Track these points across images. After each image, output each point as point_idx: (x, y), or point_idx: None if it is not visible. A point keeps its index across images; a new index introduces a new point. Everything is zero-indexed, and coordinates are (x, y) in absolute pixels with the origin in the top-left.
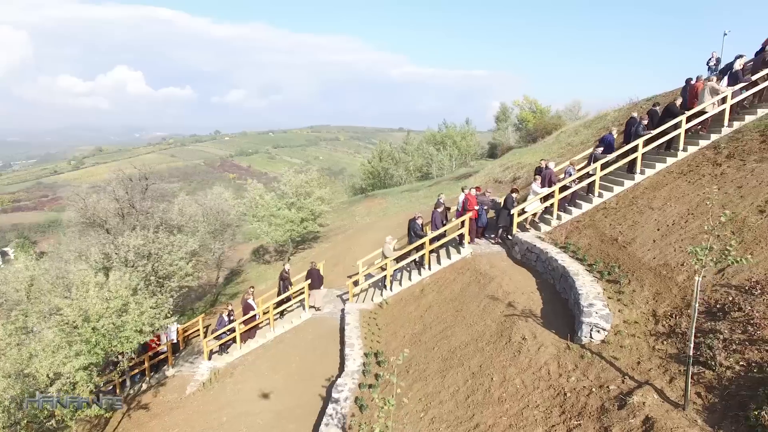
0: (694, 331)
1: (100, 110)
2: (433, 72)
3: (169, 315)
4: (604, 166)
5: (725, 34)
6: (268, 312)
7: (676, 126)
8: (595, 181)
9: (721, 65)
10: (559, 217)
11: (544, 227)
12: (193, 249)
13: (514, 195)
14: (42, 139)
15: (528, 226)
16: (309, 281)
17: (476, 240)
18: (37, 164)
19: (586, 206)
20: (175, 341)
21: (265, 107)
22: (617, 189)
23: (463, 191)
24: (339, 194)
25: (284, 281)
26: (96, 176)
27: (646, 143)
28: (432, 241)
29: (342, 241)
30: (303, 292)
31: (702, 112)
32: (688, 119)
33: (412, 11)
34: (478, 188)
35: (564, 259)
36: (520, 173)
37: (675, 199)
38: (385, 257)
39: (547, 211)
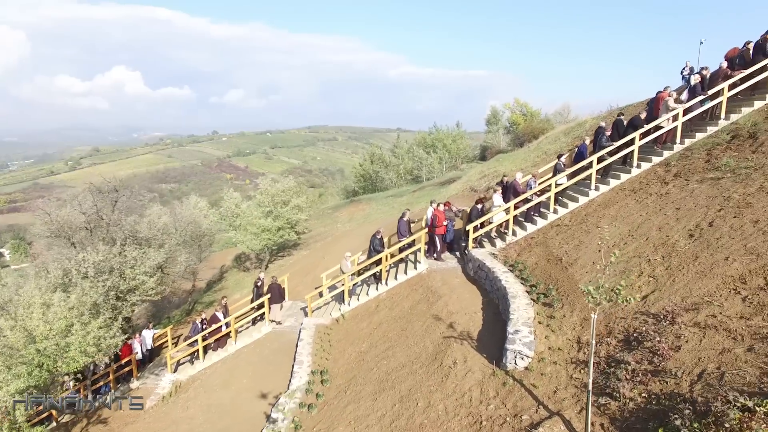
0: (601, 362)
1: (98, 110)
2: (432, 72)
3: (118, 334)
4: (576, 172)
5: (701, 43)
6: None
7: (632, 141)
8: (550, 197)
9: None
10: (514, 233)
11: (500, 243)
12: (158, 263)
13: (479, 206)
14: (39, 140)
15: (488, 239)
16: (269, 295)
17: (443, 255)
18: (34, 164)
19: (541, 222)
20: (150, 348)
21: (264, 107)
22: (572, 205)
23: (431, 205)
24: (332, 196)
25: (258, 289)
26: (92, 177)
27: (612, 155)
28: (399, 249)
29: (320, 248)
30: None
31: (659, 127)
32: (646, 133)
33: (412, 11)
34: (447, 203)
35: (508, 280)
36: (494, 183)
37: (621, 219)
38: (343, 273)
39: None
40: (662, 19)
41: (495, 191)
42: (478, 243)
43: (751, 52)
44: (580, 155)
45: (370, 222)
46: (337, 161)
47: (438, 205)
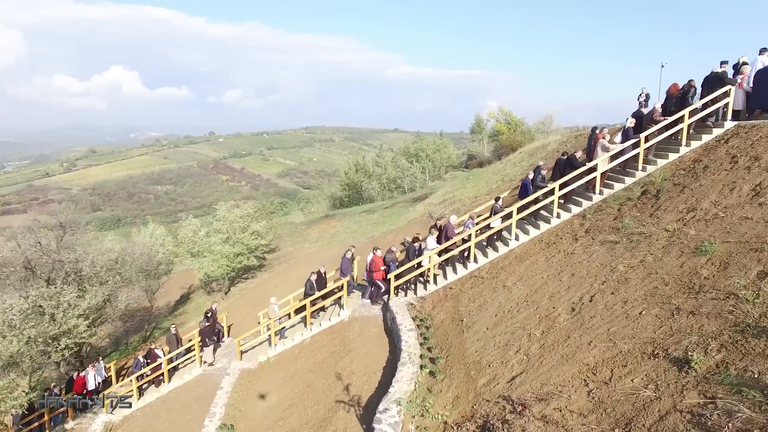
0: None
1: (96, 110)
2: (430, 72)
3: (23, 394)
4: (507, 215)
5: (662, 66)
6: (191, 348)
7: (568, 181)
8: (470, 247)
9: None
10: (436, 281)
11: (422, 291)
12: (96, 303)
13: (416, 245)
14: (37, 140)
15: (420, 283)
16: (199, 338)
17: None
18: (30, 165)
19: (462, 272)
20: (104, 378)
21: (262, 107)
22: (492, 255)
23: (373, 252)
24: (319, 204)
25: (207, 320)
26: (88, 178)
27: (547, 195)
28: (323, 296)
29: (281, 272)
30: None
31: (594, 169)
32: (582, 175)
33: (410, 11)
34: (390, 250)
35: (408, 341)
36: (448, 211)
37: (525, 279)
38: (270, 318)
39: (444, 265)
40: (661, 19)
41: (430, 233)
42: (407, 288)
43: (693, 90)
44: (524, 190)
45: (337, 242)
46: (334, 162)
47: (377, 251)
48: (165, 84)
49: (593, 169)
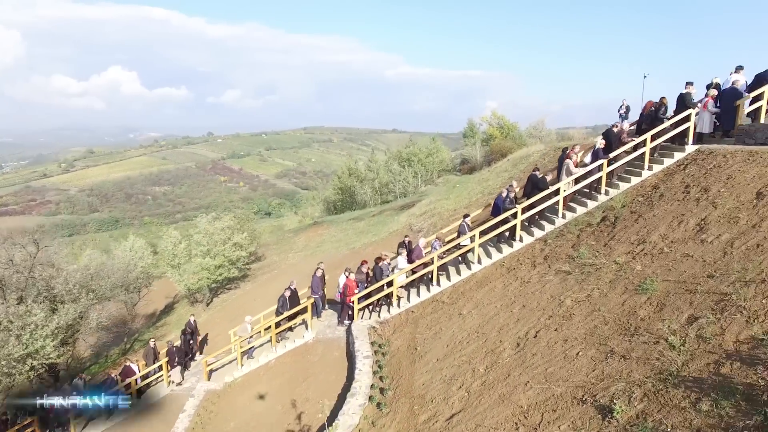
0: None
1: (95, 111)
2: (429, 72)
3: None
4: (483, 234)
5: (645, 77)
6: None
7: (533, 204)
8: (433, 270)
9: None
10: (399, 304)
11: (385, 314)
12: (64, 323)
13: (381, 265)
14: (35, 140)
15: (386, 304)
16: (167, 358)
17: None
18: (28, 166)
19: (425, 295)
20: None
21: (261, 107)
22: (455, 279)
23: (346, 276)
24: (312, 207)
25: (184, 336)
26: (86, 179)
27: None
28: (289, 318)
29: (263, 283)
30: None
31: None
32: (547, 198)
33: (409, 11)
34: (360, 270)
35: (363, 368)
36: (427, 224)
37: (481, 307)
38: (239, 336)
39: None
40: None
41: (399, 254)
42: (372, 309)
43: (663, 109)
44: (496, 209)
45: (321, 252)
46: (332, 163)
47: (350, 273)
48: (164, 84)
49: (558, 191)
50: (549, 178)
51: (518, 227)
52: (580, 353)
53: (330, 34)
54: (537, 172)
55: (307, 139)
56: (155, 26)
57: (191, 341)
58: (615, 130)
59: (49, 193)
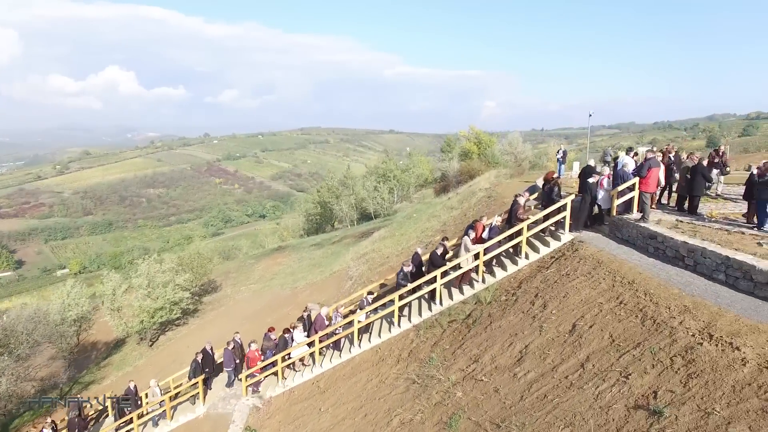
0: None
1: (92, 110)
2: (427, 72)
3: None
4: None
5: (590, 115)
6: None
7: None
8: (315, 351)
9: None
10: (285, 383)
11: (272, 390)
12: None
13: (287, 335)
14: (32, 140)
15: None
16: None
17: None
18: (24, 167)
19: (308, 375)
20: None
21: (258, 107)
22: (336, 361)
23: (249, 348)
24: (294, 219)
25: (118, 404)
26: (80, 181)
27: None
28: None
29: (208, 322)
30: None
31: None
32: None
33: (407, 11)
34: (268, 336)
35: None
36: (363, 268)
37: (338, 406)
38: (147, 402)
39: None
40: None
41: (295, 327)
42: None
43: (557, 190)
44: (404, 277)
45: (274, 286)
46: (328, 164)
47: (252, 344)
48: (162, 84)
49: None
50: (497, 220)
51: (396, 313)
52: None
53: (328, 34)
54: (445, 242)
55: (304, 140)
56: (153, 26)
57: (128, 409)
58: (519, 200)
59: (42, 195)
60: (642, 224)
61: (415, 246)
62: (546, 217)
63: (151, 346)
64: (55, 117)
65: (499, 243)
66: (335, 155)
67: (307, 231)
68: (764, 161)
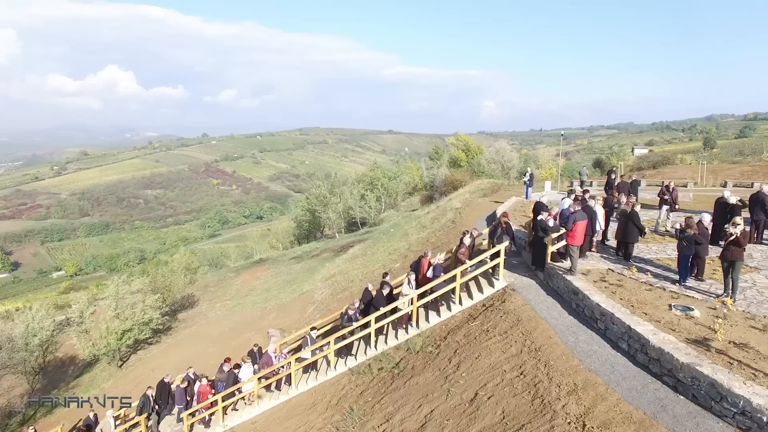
0: None
1: (91, 110)
2: (426, 72)
3: None
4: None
5: (562, 135)
6: None
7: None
8: (254, 391)
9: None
10: (224, 425)
11: (215, 430)
12: None
13: (237, 371)
14: (30, 140)
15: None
16: None
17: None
18: (22, 167)
19: (238, 420)
20: None
21: (257, 107)
22: (273, 403)
23: (199, 381)
24: (283, 223)
25: None
26: (78, 182)
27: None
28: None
29: (177, 343)
30: None
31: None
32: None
33: (406, 11)
34: (221, 369)
35: None
36: (328, 291)
37: None
38: None
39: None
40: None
41: (245, 361)
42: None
43: (500, 230)
44: (347, 320)
45: (246, 305)
46: (326, 165)
47: (202, 379)
48: (160, 83)
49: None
50: (440, 259)
51: (331, 355)
52: None
53: (327, 34)
54: (387, 277)
55: (302, 140)
56: (151, 25)
57: None
58: (465, 240)
59: (40, 196)
60: (568, 277)
61: (380, 270)
62: (480, 263)
63: (120, 366)
64: (53, 117)
65: (445, 282)
66: (333, 156)
67: (297, 237)
68: (686, 217)
